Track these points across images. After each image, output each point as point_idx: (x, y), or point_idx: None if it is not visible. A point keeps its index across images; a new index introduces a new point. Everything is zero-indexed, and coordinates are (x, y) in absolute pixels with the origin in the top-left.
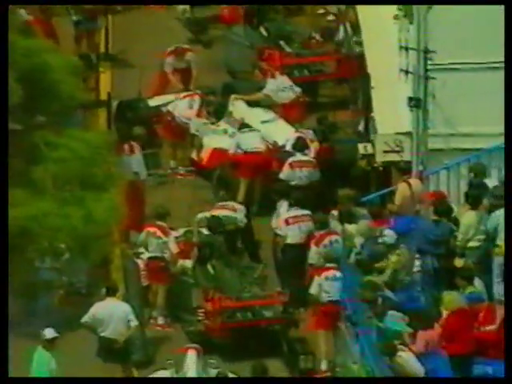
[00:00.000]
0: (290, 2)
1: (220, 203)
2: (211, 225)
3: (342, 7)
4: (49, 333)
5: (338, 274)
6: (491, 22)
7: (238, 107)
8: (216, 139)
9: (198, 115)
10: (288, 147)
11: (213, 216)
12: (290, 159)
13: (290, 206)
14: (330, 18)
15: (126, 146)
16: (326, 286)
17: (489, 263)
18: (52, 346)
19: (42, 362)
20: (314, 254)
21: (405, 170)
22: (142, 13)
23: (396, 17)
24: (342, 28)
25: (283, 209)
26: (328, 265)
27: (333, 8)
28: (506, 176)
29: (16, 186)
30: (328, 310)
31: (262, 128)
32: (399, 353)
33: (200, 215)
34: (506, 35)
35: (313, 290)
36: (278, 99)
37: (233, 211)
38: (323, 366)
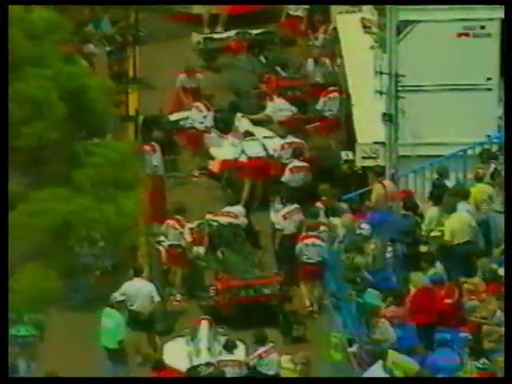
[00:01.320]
0: (290, 2)
1: (225, 209)
2: (218, 232)
3: (329, 39)
4: (118, 296)
5: (317, 241)
6: (452, 50)
7: (243, 123)
8: (225, 151)
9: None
10: (287, 155)
11: (219, 223)
12: (290, 165)
13: (283, 203)
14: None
15: (148, 147)
16: (305, 250)
17: (448, 250)
18: (119, 307)
19: (111, 317)
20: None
21: (379, 173)
22: (163, 44)
23: (372, 47)
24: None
25: (279, 205)
26: (309, 233)
27: (320, 41)
28: (505, 175)
29: (60, 186)
30: (307, 269)
31: (263, 142)
32: (382, 319)
33: (208, 216)
34: (505, 35)
35: (296, 251)
36: (277, 118)
37: (235, 218)
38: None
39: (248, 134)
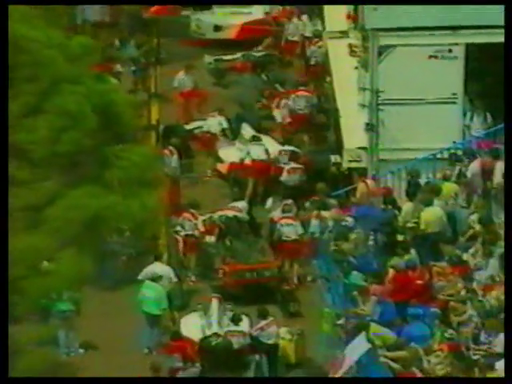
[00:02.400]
0: (290, 3)
1: (230, 205)
2: (226, 223)
3: (318, 51)
4: (160, 271)
5: (290, 221)
6: (424, 70)
7: (247, 132)
8: (232, 155)
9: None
10: (284, 160)
11: (226, 217)
12: (287, 167)
13: (280, 200)
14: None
15: (167, 151)
16: (281, 230)
17: (420, 239)
18: (158, 280)
19: (152, 289)
20: (313, 225)
21: (363, 173)
22: (180, 64)
23: (357, 67)
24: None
25: (275, 202)
26: (283, 215)
27: (311, 51)
28: (506, 175)
29: (93, 185)
30: (287, 246)
31: (266, 147)
32: (372, 297)
33: (219, 212)
34: (505, 35)
35: (275, 232)
36: (283, 122)
37: (239, 212)
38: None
39: (255, 139)
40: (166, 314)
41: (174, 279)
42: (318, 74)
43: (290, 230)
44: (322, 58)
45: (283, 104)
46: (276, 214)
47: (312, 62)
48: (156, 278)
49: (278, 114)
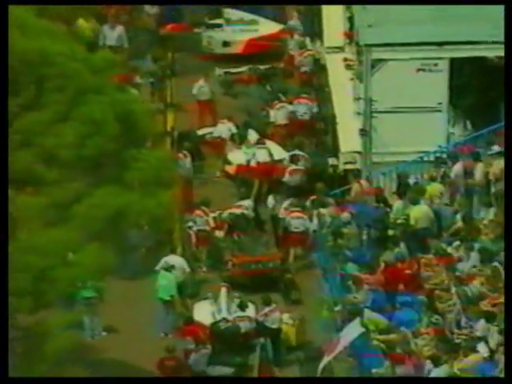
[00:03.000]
0: (290, 2)
1: (238, 203)
2: (234, 220)
3: (310, 59)
4: (171, 262)
5: (300, 214)
6: (412, 81)
7: (253, 137)
8: (239, 158)
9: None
10: (286, 161)
11: (234, 214)
12: (289, 168)
13: (283, 198)
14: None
15: (181, 155)
16: (291, 222)
17: (409, 234)
18: (171, 269)
19: (166, 278)
20: (314, 221)
21: (357, 175)
22: (193, 76)
23: (352, 79)
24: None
25: (277, 200)
26: (293, 209)
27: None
28: (506, 176)
29: (114, 185)
30: (294, 236)
31: (270, 150)
32: (365, 286)
33: (228, 210)
34: (506, 35)
35: (285, 223)
36: (277, 122)
37: (245, 209)
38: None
39: (260, 142)
40: (177, 300)
41: (187, 270)
42: (310, 81)
43: (299, 222)
44: (310, 67)
45: (279, 106)
46: (281, 210)
47: (301, 71)
48: (169, 268)
49: (273, 115)
